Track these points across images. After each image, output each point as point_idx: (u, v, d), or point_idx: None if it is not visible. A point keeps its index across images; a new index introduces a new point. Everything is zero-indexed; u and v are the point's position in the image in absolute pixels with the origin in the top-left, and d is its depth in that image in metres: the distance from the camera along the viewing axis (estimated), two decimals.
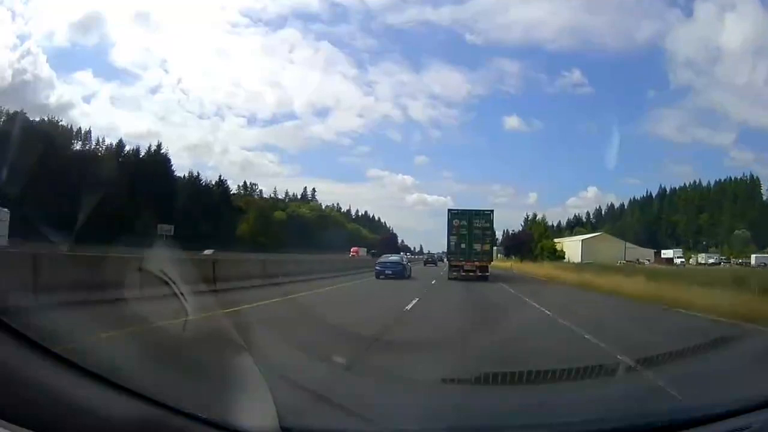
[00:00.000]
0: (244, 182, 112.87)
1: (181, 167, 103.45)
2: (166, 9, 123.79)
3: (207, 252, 38.64)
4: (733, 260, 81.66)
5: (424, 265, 57.24)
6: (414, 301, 13.69)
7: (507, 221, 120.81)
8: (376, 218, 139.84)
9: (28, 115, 63.58)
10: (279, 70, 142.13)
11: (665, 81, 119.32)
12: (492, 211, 28.16)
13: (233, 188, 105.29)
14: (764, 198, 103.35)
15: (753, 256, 78.77)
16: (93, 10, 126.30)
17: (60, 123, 73.25)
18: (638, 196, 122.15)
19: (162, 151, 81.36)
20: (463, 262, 26.13)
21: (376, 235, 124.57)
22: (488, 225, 27.49)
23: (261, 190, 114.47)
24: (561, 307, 13.49)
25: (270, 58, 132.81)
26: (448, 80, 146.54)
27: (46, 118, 70.07)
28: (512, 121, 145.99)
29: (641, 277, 21.50)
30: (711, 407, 2.79)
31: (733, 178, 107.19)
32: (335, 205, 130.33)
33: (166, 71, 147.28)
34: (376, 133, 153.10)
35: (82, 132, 76.14)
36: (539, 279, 32.81)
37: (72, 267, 9.18)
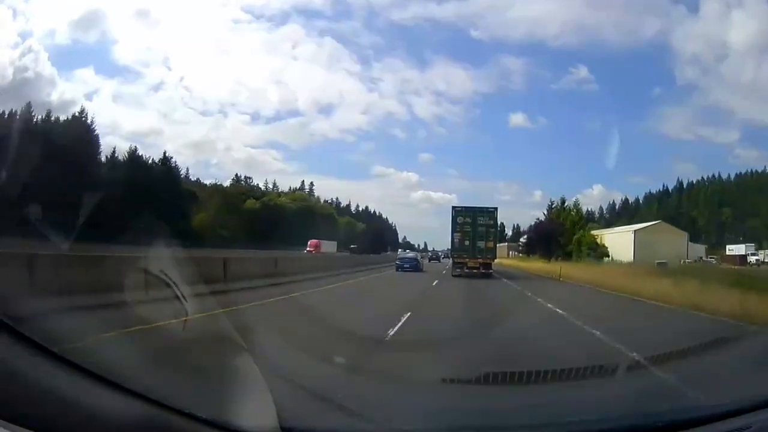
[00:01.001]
0: (236, 174, 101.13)
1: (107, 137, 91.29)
2: (168, 6, 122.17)
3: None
4: None
5: (428, 261, 59.21)
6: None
7: (512, 219, 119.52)
8: (377, 213, 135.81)
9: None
10: (282, 67, 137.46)
11: (671, 78, 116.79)
12: (496, 208, 28.35)
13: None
14: None
15: None
16: (94, 8, 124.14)
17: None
18: (653, 190, 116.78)
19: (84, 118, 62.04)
20: (467, 259, 26.46)
21: (381, 232, 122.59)
22: (492, 222, 27.70)
23: (256, 184, 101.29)
24: None
25: (273, 55, 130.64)
26: (453, 77, 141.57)
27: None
28: (517, 119, 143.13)
29: None
30: (711, 407, 2.79)
31: (753, 171, 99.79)
32: (334, 199, 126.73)
33: (169, 68, 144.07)
34: (380, 130, 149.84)
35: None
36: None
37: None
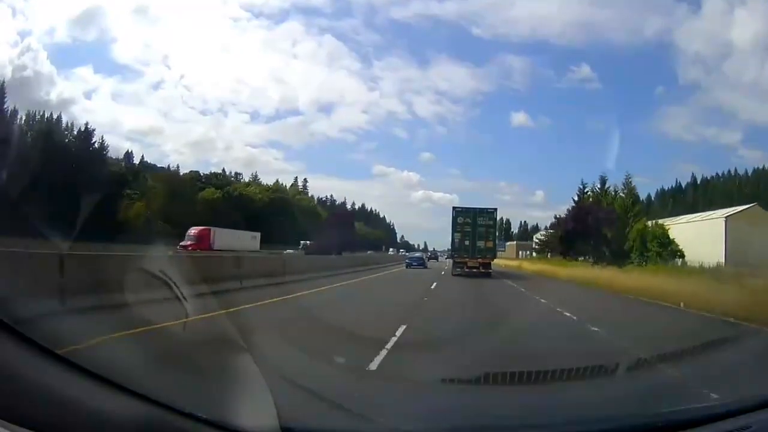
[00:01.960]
0: (223, 169, 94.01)
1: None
2: (167, 4, 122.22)
3: None
4: None
5: (428, 260, 61.28)
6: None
7: (514, 219, 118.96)
8: (375, 212, 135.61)
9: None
10: (282, 65, 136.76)
11: (674, 78, 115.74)
12: (495, 209, 29.07)
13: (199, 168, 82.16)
14: None
15: None
16: (93, 6, 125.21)
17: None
18: (666, 187, 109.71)
19: None
20: (467, 259, 27.08)
21: (375, 230, 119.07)
22: (492, 223, 28.35)
23: (223, 172, 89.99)
24: None
25: (273, 53, 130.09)
26: (454, 76, 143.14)
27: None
28: (519, 118, 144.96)
29: None
30: (711, 407, 2.79)
31: None
32: (329, 197, 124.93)
33: (168, 67, 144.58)
34: (381, 129, 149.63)
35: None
36: None
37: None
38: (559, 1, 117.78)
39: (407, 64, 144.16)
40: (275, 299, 12.08)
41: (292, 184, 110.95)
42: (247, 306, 10.17)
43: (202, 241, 43.24)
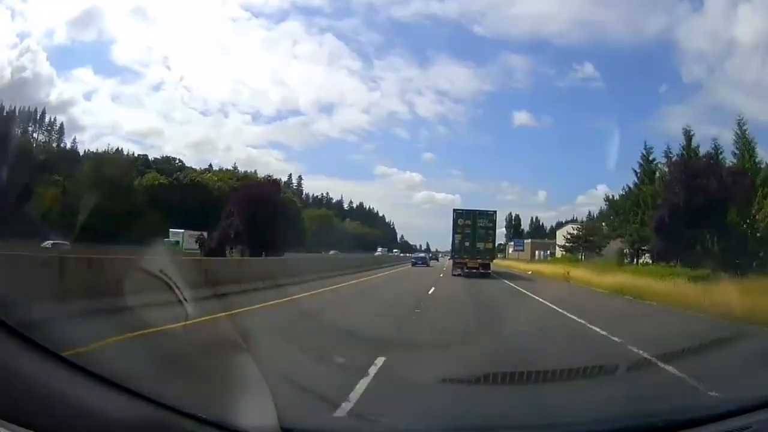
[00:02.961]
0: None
1: None
2: (165, 5, 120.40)
3: None
4: None
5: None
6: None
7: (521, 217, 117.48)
8: (374, 211, 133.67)
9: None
10: (283, 66, 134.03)
11: (677, 76, 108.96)
12: (495, 211, 29.75)
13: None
14: None
15: None
16: (92, 7, 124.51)
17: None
18: None
19: None
20: (467, 260, 27.47)
21: (372, 229, 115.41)
22: (491, 225, 28.96)
23: (170, 157, 74.54)
24: None
25: (273, 53, 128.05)
26: (455, 75, 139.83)
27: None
28: (521, 117, 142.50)
29: None
30: (711, 407, 2.79)
31: None
32: (324, 195, 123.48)
33: (168, 68, 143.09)
34: (382, 129, 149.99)
35: None
36: None
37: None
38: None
39: (408, 64, 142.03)
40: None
41: (285, 182, 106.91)
42: None
43: None
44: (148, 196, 54.67)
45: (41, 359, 1.48)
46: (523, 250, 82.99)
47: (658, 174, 34.61)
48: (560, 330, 9.40)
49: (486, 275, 26.76)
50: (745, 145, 30.48)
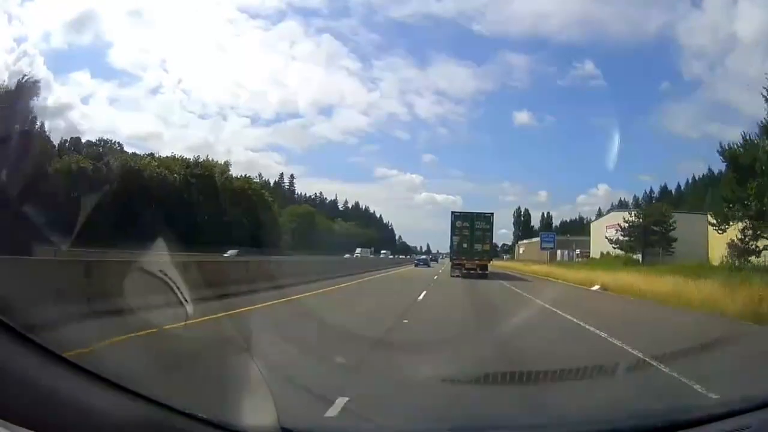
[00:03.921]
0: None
1: None
2: (161, 8, 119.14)
3: None
4: None
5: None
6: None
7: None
8: (370, 211, 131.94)
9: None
10: (281, 67, 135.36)
11: (678, 73, 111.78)
12: (492, 214, 30.27)
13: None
14: None
15: None
16: (88, 10, 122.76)
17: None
18: (698, 176, 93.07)
19: None
20: (465, 261, 27.94)
21: (368, 230, 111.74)
22: (488, 227, 29.49)
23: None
24: None
25: (271, 55, 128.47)
26: (455, 75, 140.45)
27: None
28: (522, 117, 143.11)
29: None
30: (711, 407, 2.79)
31: None
32: (318, 194, 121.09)
33: (166, 71, 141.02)
34: (382, 131, 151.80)
35: None
36: None
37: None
38: None
39: (407, 64, 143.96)
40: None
41: (276, 181, 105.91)
42: None
43: None
44: (65, 182, 43.49)
45: (41, 360, 1.47)
46: (553, 247, 66.97)
47: None
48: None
49: (484, 276, 27.10)
50: None
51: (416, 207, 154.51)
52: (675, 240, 40.38)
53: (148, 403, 1.66)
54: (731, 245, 28.14)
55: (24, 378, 1.40)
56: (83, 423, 1.47)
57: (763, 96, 25.43)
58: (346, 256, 59.94)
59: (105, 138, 67.70)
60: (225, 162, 69.45)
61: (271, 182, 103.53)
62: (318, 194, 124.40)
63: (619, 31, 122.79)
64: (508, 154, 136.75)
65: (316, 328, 8.25)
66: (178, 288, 3.44)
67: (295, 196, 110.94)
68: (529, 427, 2.83)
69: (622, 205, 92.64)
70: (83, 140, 63.57)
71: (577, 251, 61.92)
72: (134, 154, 63.42)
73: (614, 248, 44.83)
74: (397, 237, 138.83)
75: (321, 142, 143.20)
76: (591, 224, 67.31)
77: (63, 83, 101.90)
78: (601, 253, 50.67)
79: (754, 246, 26.64)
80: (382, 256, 75.52)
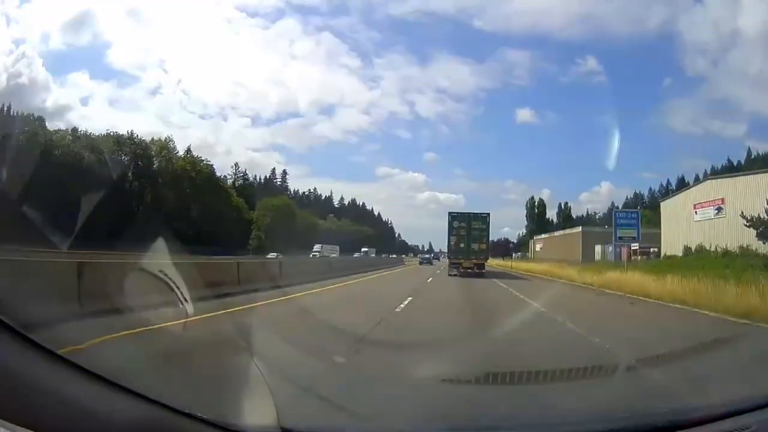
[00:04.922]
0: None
1: None
2: (159, 7, 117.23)
3: None
4: None
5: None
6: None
7: (521, 219, 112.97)
8: (369, 209, 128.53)
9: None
10: (281, 66, 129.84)
11: (682, 69, 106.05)
12: (488, 214, 30.61)
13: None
14: None
15: None
16: (86, 11, 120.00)
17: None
18: (717, 166, 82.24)
19: None
20: (462, 260, 28.40)
21: (363, 228, 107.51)
22: (485, 227, 29.91)
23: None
24: None
25: (271, 53, 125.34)
26: (456, 73, 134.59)
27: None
28: (524, 115, 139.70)
29: None
30: (711, 407, 2.79)
31: None
32: (312, 190, 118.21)
33: (165, 71, 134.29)
34: (383, 130, 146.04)
35: None
36: None
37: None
38: None
39: (408, 62, 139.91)
40: None
41: (267, 177, 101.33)
42: None
43: None
44: None
45: (41, 359, 1.47)
46: (638, 241, 32.45)
47: None
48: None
49: (481, 275, 27.58)
50: None
51: (418, 206, 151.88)
52: None
53: (148, 403, 1.65)
54: None
55: (24, 378, 1.39)
56: (83, 423, 1.46)
57: None
58: (314, 253, 54.86)
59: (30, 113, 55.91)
60: (166, 138, 57.17)
61: (270, 181, 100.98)
62: (312, 190, 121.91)
63: (620, 26, 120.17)
64: (510, 152, 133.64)
65: None
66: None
67: (287, 193, 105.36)
68: (530, 427, 2.83)
69: (626, 205, 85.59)
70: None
71: (634, 246, 35.44)
72: (57, 131, 52.60)
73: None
74: (396, 235, 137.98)
75: (322, 141, 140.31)
76: (662, 204, 45.66)
77: (62, 84, 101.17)
78: (687, 249, 35.04)
79: None
80: (362, 254, 65.94)
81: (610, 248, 43.65)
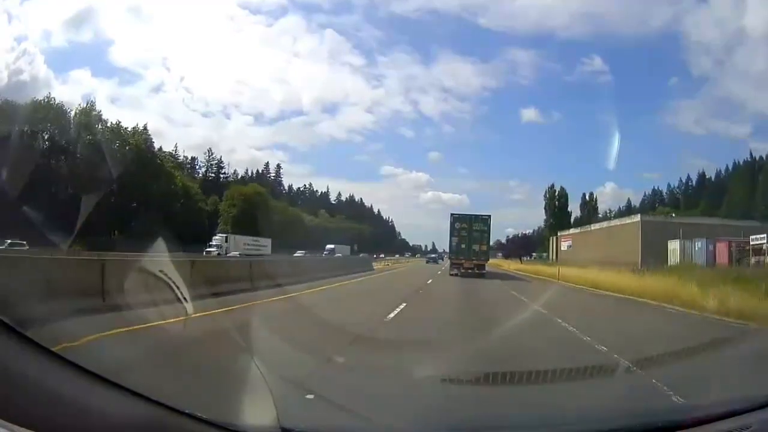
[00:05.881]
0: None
1: None
2: (162, 4, 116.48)
3: None
4: None
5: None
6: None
7: (524, 219, 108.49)
8: (368, 205, 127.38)
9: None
10: (284, 64, 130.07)
11: (688, 69, 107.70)
12: (489, 216, 31.12)
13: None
14: None
15: None
16: (88, 8, 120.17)
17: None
18: (739, 160, 79.27)
19: None
20: (463, 261, 29.09)
21: (359, 225, 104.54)
22: (486, 228, 30.58)
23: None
24: None
25: (274, 51, 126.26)
26: (460, 72, 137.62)
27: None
28: (529, 114, 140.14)
29: None
30: (711, 407, 2.79)
31: None
32: (307, 186, 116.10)
33: (168, 69, 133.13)
34: (387, 129, 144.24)
35: None
36: None
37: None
38: None
39: (411, 61, 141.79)
40: None
41: (261, 172, 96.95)
42: None
43: None
44: None
45: (40, 358, 1.46)
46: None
47: None
48: None
49: (481, 275, 28.11)
50: None
51: (422, 206, 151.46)
52: None
53: (148, 402, 1.65)
54: None
55: (23, 377, 1.39)
56: (83, 422, 1.46)
57: None
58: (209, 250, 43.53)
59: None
60: (89, 104, 47.91)
61: (263, 176, 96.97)
62: (307, 186, 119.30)
63: (627, 25, 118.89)
64: (514, 151, 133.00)
65: None
66: None
67: (281, 188, 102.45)
68: (529, 427, 2.82)
69: (630, 207, 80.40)
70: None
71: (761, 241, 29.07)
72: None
73: None
74: (397, 234, 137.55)
75: (326, 140, 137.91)
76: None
77: (63, 82, 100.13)
78: None
79: None
80: (326, 253, 55.66)
81: (699, 244, 32.73)
